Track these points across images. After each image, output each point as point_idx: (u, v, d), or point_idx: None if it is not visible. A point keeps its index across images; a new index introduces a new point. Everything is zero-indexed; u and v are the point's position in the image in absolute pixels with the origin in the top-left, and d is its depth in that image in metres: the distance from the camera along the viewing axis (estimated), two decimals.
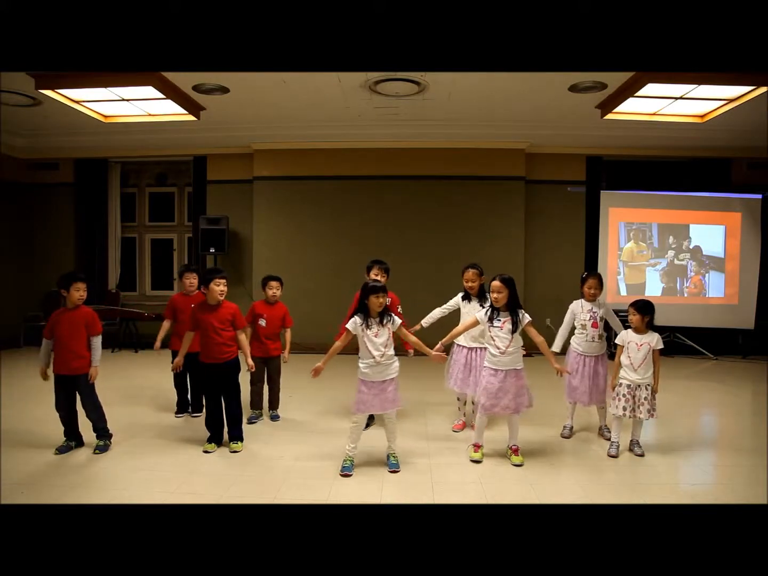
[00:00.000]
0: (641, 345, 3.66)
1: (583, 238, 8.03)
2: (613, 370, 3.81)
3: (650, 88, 5.58)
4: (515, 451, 3.48)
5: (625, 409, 3.64)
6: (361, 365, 3.30)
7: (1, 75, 5.17)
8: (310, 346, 6.86)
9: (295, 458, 3.54)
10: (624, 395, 3.66)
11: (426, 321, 4.17)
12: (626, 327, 3.84)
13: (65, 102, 6.11)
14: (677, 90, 5.70)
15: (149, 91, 5.69)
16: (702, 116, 6.64)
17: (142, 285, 8.79)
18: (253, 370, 3.91)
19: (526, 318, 3.44)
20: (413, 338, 3.44)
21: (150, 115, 6.75)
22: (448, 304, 4.21)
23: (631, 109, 6.36)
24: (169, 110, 6.50)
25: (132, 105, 6.35)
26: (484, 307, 3.93)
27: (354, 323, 3.27)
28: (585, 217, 8.01)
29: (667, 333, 7.71)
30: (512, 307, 3.44)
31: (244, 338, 3.84)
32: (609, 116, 6.48)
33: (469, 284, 4.09)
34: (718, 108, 6.30)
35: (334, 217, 7.90)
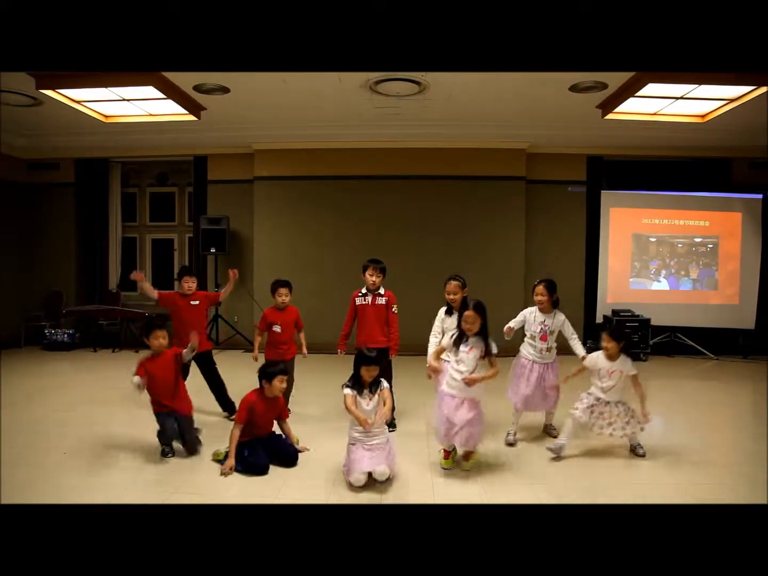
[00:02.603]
0: (612, 372, 3.52)
1: (583, 238, 8.02)
2: (576, 369, 3.67)
3: (651, 88, 5.57)
4: (465, 457, 3.37)
5: (588, 411, 3.52)
6: (351, 432, 3.23)
7: (1, 75, 5.17)
8: (310, 346, 6.84)
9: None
10: (591, 405, 3.55)
11: (431, 358, 3.79)
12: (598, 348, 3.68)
13: (66, 102, 6.11)
14: (678, 90, 5.70)
15: (150, 91, 5.70)
16: (702, 116, 6.64)
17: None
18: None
19: (494, 348, 3.29)
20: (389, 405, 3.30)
21: (151, 115, 6.75)
22: (435, 328, 4.02)
23: (632, 109, 6.35)
24: (169, 110, 6.50)
25: (132, 105, 6.35)
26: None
27: (349, 390, 3.23)
28: (585, 217, 8.01)
29: (668, 333, 7.71)
30: (482, 334, 3.29)
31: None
32: (609, 116, 6.47)
33: (451, 296, 3.91)
34: (718, 108, 6.29)
35: (335, 216, 7.90)
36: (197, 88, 5.97)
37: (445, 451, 3.43)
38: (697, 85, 5.47)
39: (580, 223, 8.03)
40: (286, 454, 3.48)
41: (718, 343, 7.63)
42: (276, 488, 3.07)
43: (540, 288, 3.90)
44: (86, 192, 8.31)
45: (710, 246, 7.80)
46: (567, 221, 8.01)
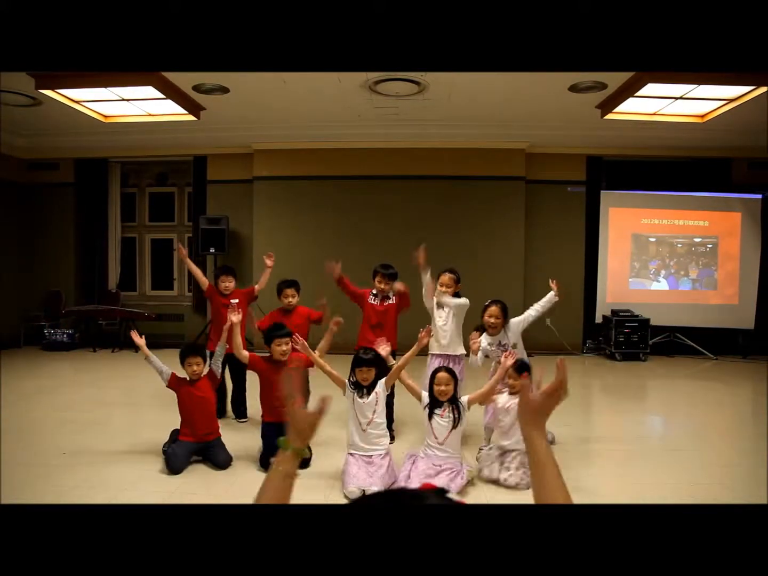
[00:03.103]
0: (509, 406, 3.26)
1: (583, 238, 8.03)
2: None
3: (650, 88, 5.58)
4: None
5: (491, 466, 3.24)
6: (351, 436, 3.24)
7: (1, 75, 5.16)
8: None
9: None
10: (494, 455, 3.27)
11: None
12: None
13: (65, 102, 6.11)
14: (677, 90, 5.70)
15: (149, 91, 5.69)
16: (702, 116, 6.64)
17: (142, 285, 8.79)
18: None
19: (465, 400, 3.21)
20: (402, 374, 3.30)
21: (150, 115, 6.75)
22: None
23: (631, 109, 6.35)
24: (169, 110, 6.50)
25: (132, 105, 6.35)
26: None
27: (348, 386, 3.25)
28: (585, 217, 8.01)
29: (667, 333, 7.72)
30: (454, 401, 3.18)
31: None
32: (609, 116, 6.48)
33: (444, 289, 3.83)
34: (718, 108, 6.30)
35: (334, 217, 7.90)
36: (197, 88, 5.97)
37: None
38: (696, 85, 5.47)
39: (579, 223, 8.03)
40: None
41: (718, 343, 7.63)
42: None
43: (495, 309, 3.60)
44: (86, 192, 8.30)
45: (710, 246, 7.81)
46: (567, 221, 8.01)
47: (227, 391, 4.45)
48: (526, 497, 2.96)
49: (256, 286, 4.45)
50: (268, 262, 4.40)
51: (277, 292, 4.24)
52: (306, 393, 4.09)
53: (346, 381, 3.28)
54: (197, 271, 4.43)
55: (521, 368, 3.27)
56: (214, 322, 4.29)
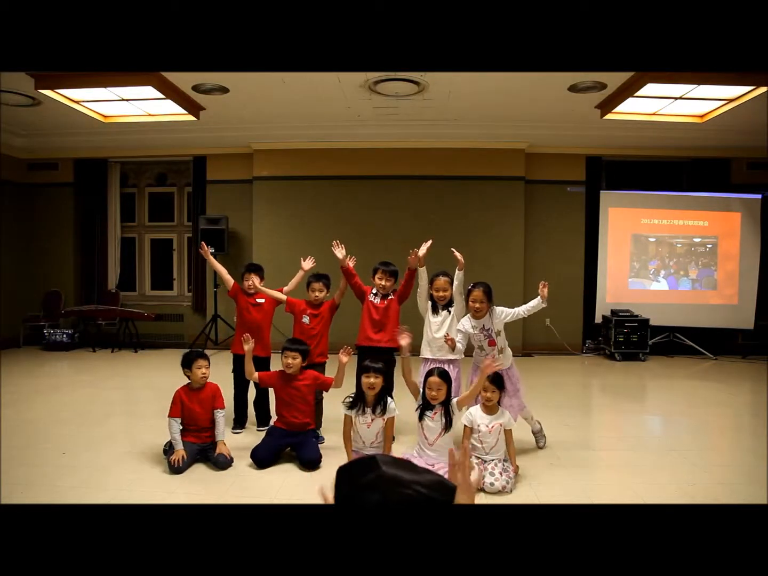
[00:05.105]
0: (492, 427, 3.19)
1: (583, 238, 8.03)
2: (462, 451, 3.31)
3: (650, 88, 5.58)
4: None
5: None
6: (353, 435, 3.28)
7: (1, 75, 5.16)
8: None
9: (295, 458, 3.55)
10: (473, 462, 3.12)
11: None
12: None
13: (65, 102, 6.11)
14: (677, 90, 5.70)
15: (149, 91, 5.69)
16: (702, 116, 6.64)
17: (141, 285, 8.78)
18: None
19: (454, 402, 3.19)
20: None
21: (150, 115, 6.75)
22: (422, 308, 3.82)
23: (631, 109, 6.36)
24: (168, 110, 6.49)
25: (132, 105, 6.35)
26: (450, 312, 3.68)
27: (349, 411, 3.26)
28: (585, 217, 8.01)
29: (667, 333, 7.72)
30: (446, 405, 3.16)
31: None
32: (609, 116, 6.48)
33: (441, 294, 3.65)
34: (718, 108, 6.30)
35: (334, 217, 7.89)
36: (196, 88, 5.96)
37: None
38: (696, 85, 5.47)
39: (579, 223, 8.03)
40: (307, 460, 3.42)
41: (717, 343, 7.64)
42: (276, 488, 3.08)
43: (478, 293, 3.45)
44: (85, 192, 8.30)
45: (709, 246, 7.81)
46: (566, 221, 8.01)
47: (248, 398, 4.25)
48: (527, 497, 2.96)
49: (285, 288, 4.18)
50: (305, 266, 4.18)
51: (306, 286, 4.08)
52: (319, 403, 3.98)
53: (349, 402, 3.29)
54: (222, 270, 4.23)
55: (496, 380, 3.21)
56: (239, 323, 4.12)
